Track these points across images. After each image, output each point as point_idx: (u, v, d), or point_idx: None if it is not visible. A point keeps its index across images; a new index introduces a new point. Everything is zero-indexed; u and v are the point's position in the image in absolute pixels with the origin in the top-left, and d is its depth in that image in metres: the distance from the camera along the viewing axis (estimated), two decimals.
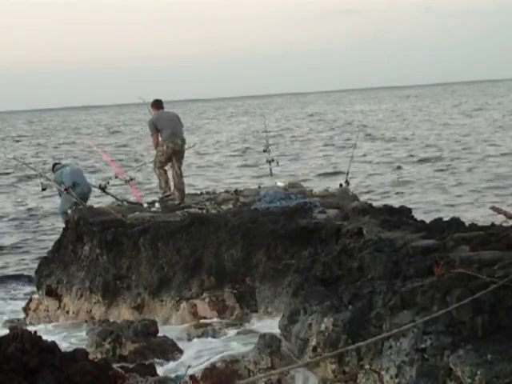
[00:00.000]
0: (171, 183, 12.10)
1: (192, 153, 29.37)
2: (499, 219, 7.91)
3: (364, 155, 32.70)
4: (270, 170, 13.98)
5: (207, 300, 9.84)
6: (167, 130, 11.90)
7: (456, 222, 8.18)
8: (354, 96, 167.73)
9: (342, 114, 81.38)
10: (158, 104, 12.27)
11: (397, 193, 22.67)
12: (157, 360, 8.28)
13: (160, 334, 8.82)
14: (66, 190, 12.26)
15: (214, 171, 31.62)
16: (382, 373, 6.06)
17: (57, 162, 13.98)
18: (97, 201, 15.59)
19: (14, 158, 16.43)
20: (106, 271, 10.65)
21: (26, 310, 11.81)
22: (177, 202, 11.82)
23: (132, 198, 13.65)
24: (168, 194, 12.00)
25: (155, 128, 11.97)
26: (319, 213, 10.33)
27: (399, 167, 28.84)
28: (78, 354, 6.13)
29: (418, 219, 9.67)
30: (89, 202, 12.77)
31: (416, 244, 7.23)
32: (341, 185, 12.81)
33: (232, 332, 9.18)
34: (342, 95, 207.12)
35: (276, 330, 7.61)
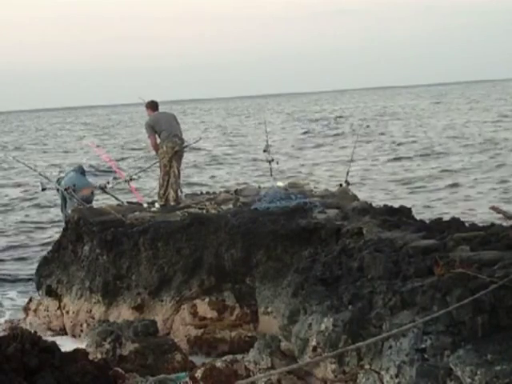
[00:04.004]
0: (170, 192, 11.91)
1: None
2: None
3: None
4: (270, 169, 13.95)
5: (207, 300, 9.85)
6: (165, 132, 11.73)
7: (456, 222, 8.18)
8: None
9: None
10: (153, 105, 12.05)
11: None
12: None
13: None
14: (66, 190, 12.25)
15: None
16: (382, 373, 6.06)
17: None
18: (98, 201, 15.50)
19: (14, 158, 16.41)
20: (106, 271, 10.64)
21: (25, 309, 11.81)
22: (172, 204, 11.72)
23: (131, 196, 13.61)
24: (164, 204, 11.81)
25: (153, 130, 11.83)
26: (319, 213, 10.31)
27: None
28: (78, 354, 6.14)
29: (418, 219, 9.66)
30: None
31: (416, 244, 7.22)
32: (341, 185, 12.81)
33: None
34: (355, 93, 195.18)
35: None
